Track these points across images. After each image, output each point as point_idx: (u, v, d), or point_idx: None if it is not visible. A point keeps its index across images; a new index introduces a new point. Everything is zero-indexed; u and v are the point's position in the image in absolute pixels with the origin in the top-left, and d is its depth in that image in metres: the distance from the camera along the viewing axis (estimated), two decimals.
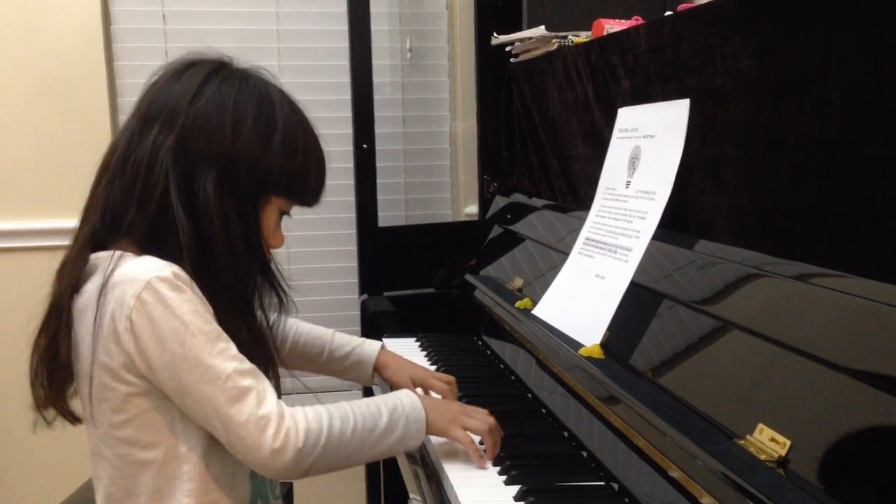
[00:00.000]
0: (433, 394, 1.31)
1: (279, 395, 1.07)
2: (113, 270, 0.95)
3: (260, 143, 1.01)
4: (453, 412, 1.11)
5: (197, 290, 0.96)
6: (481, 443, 1.11)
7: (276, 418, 0.95)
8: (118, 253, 0.97)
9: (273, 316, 1.14)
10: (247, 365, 0.97)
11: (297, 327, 1.32)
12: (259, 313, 1.08)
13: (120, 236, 1.00)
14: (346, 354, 1.33)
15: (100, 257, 0.99)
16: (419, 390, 1.31)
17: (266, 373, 1.06)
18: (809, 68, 0.92)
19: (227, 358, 0.95)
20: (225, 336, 0.97)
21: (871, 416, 0.71)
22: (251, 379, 0.96)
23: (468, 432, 1.09)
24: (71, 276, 0.99)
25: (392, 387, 1.35)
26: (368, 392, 2.04)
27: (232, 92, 1.01)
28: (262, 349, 1.05)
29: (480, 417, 1.11)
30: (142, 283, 0.93)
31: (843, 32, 0.86)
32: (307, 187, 1.07)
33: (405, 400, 1.08)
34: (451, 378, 1.32)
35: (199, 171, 0.98)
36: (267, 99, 1.03)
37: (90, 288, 0.97)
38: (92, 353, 0.96)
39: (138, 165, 0.98)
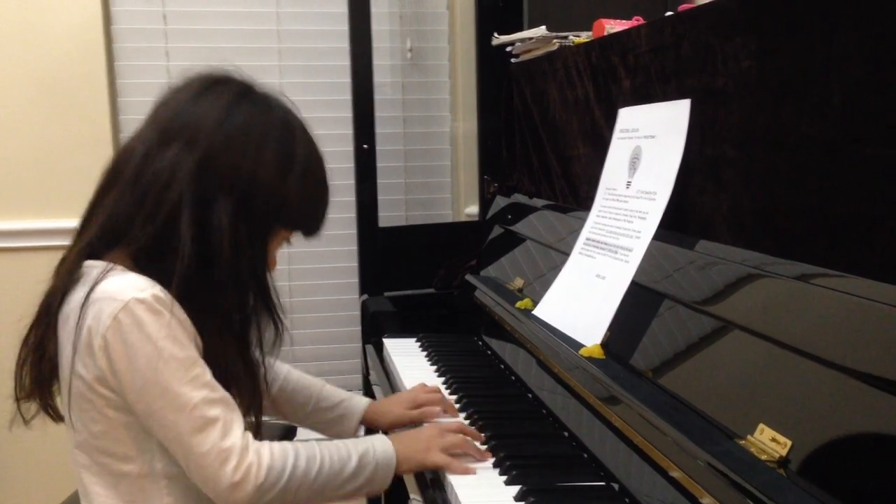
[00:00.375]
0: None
1: (260, 433, 1.06)
2: (96, 284, 0.95)
3: (279, 174, 1.01)
4: (427, 441, 1.09)
5: (179, 312, 0.95)
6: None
7: (239, 452, 0.95)
8: (108, 266, 0.96)
9: (276, 337, 1.12)
10: (217, 393, 0.96)
11: (288, 373, 1.29)
12: (255, 348, 1.07)
13: (117, 248, 0.99)
14: (332, 406, 1.29)
15: (91, 266, 0.98)
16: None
17: (251, 405, 1.05)
18: (810, 69, 0.92)
19: (197, 386, 0.94)
20: (200, 362, 0.96)
21: (872, 417, 0.71)
22: (219, 409, 0.95)
23: (449, 452, 1.08)
24: (62, 282, 0.99)
25: (398, 426, 1.29)
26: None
27: (257, 120, 1.01)
28: (251, 379, 1.05)
29: (452, 430, 1.11)
30: (120, 303, 0.92)
31: (844, 33, 0.86)
32: (317, 219, 1.09)
33: (377, 444, 1.07)
34: (434, 386, 1.32)
35: (216, 197, 0.98)
36: (289, 130, 1.04)
37: (75, 298, 0.97)
38: (71, 362, 0.96)
39: (153, 181, 0.97)
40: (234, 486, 0.94)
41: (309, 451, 1.01)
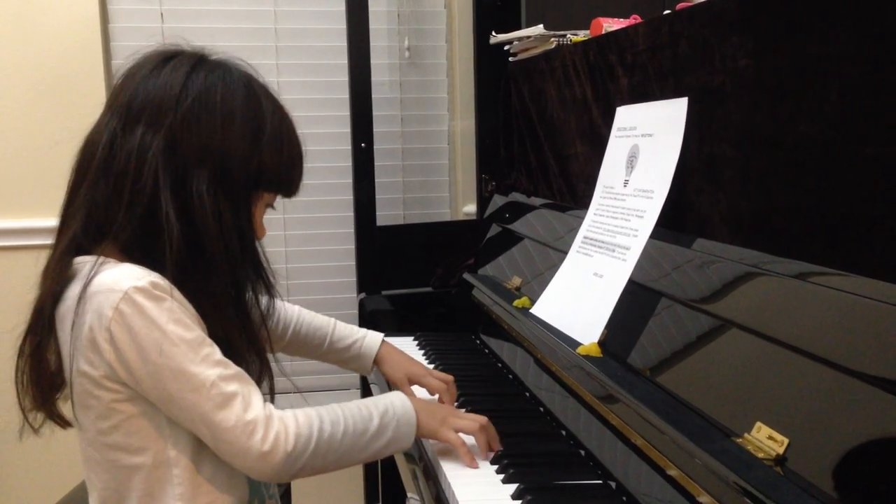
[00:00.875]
0: (426, 393, 1.32)
1: (273, 396, 1.06)
2: (91, 279, 0.94)
3: (250, 139, 1.00)
4: (444, 413, 1.11)
5: (178, 295, 0.95)
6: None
7: (264, 421, 0.95)
8: (100, 259, 0.95)
9: (269, 301, 1.13)
10: (231, 369, 0.96)
11: (299, 315, 1.33)
12: (255, 311, 1.07)
13: (104, 241, 0.98)
14: (347, 346, 1.34)
15: (82, 262, 0.97)
16: (415, 388, 1.31)
17: (260, 374, 1.06)
18: (807, 67, 0.92)
19: (210, 364, 0.94)
20: (208, 341, 0.96)
21: (870, 415, 0.71)
22: (236, 384, 0.95)
23: (459, 434, 1.09)
24: (53, 284, 0.97)
25: (388, 381, 1.37)
26: (366, 387, 2.04)
27: (217, 87, 0.99)
28: (256, 350, 1.05)
29: (471, 416, 1.12)
30: (119, 293, 0.91)
31: (842, 32, 0.86)
32: (294, 179, 1.07)
33: (396, 402, 1.07)
34: (449, 377, 1.32)
35: (191, 172, 0.97)
36: (252, 93, 1.02)
37: (71, 295, 0.96)
38: (72, 361, 0.95)
39: (124, 168, 0.96)
40: (264, 457, 0.94)
41: (332, 414, 1.01)
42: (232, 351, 0.99)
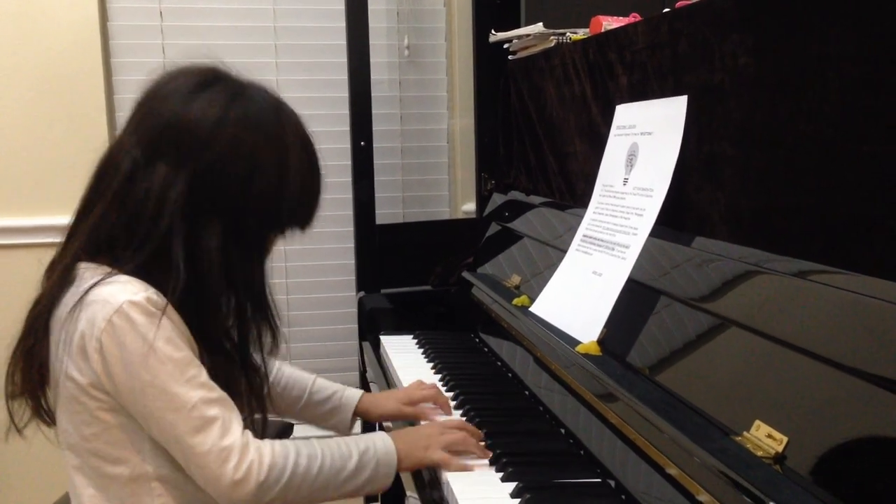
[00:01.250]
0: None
1: (265, 434, 1.05)
2: (90, 288, 0.94)
3: (274, 185, 0.99)
4: (427, 439, 1.09)
5: (173, 314, 0.94)
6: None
7: (239, 450, 0.94)
8: (102, 268, 0.95)
9: (273, 344, 1.11)
10: (215, 393, 0.96)
11: (280, 368, 1.29)
12: (255, 352, 1.06)
13: (107, 261, 0.97)
14: (325, 398, 1.28)
15: (85, 269, 0.97)
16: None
17: (255, 409, 1.05)
18: (807, 66, 0.91)
19: (194, 386, 0.94)
20: (196, 363, 0.95)
21: (869, 413, 0.71)
22: (218, 408, 0.95)
23: (450, 450, 1.08)
24: (52, 288, 0.98)
25: (387, 419, 1.32)
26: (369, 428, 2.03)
27: (248, 133, 0.97)
28: (252, 385, 1.04)
29: (454, 425, 1.11)
30: (114, 306, 0.92)
31: (841, 31, 0.86)
32: (311, 215, 1.08)
33: (378, 442, 1.06)
34: (431, 384, 1.32)
35: (205, 224, 0.96)
36: (281, 140, 1.00)
37: (68, 300, 0.96)
38: (63, 366, 0.96)
39: (143, 205, 0.95)
40: (235, 485, 0.94)
41: (310, 448, 1.01)
42: (226, 379, 0.99)
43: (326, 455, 1.01)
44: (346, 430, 1.30)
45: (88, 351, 0.93)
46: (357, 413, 1.29)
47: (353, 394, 1.30)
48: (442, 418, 1.21)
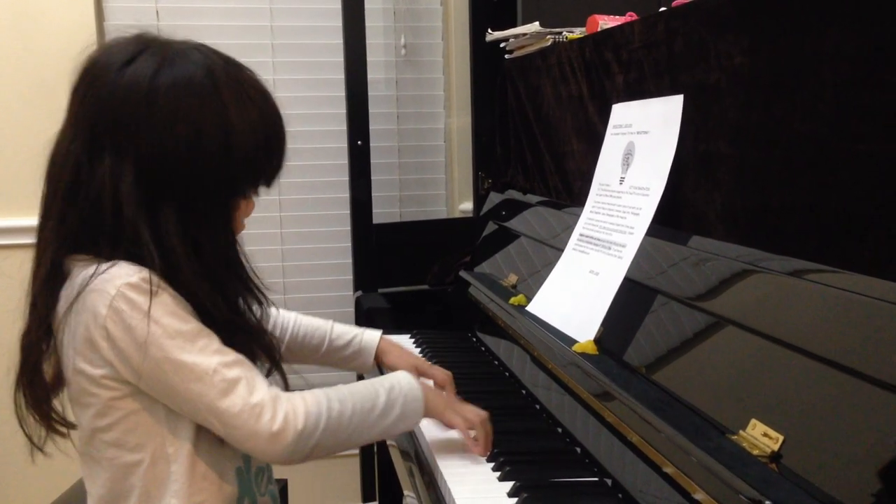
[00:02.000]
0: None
1: (287, 389, 1.05)
2: (86, 278, 0.93)
3: (221, 153, 0.95)
4: (447, 400, 1.12)
5: (170, 289, 0.94)
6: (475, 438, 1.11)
7: (271, 403, 0.94)
8: (91, 259, 0.94)
9: (261, 309, 1.10)
10: (231, 356, 0.95)
11: (296, 319, 1.32)
12: (249, 315, 1.04)
13: (90, 254, 0.96)
14: (346, 343, 1.33)
15: (75, 262, 0.96)
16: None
17: (271, 368, 1.05)
18: (802, 65, 0.92)
19: (209, 353, 0.93)
20: (206, 331, 0.95)
21: (864, 412, 0.71)
22: (238, 369, 0.94)
23: (473, 410, 1.11)
24: (43, 288, 0.96)
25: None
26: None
27: (180, 101, 0.93)
28: (262, 347, 1.04)
29: (473, 409, 1.12)
30: (113, 291, 0.91)
31: (836, 29, 0.86)
32: (273, 171, 1.02)
33: (402, 380, 1.07)
34: (449, 373, 1.32)
35: (160, 208, 0.94)
36: (217, 100, 0.95)
37: (65, 295, 0.95)
38: (70, 361, 0.95)
39: (99, 202, 0.93)
40: (275, 437, 0.93)
41: (338, 393, 1.01)
42: (239, 348, 0.98)
43: (356, 395, 1.01)
44: (370, 370, 1.35)
45: (97, 341, 0.92)
46: (375, 354, 1.33)
47: (373, 336, 1.34)
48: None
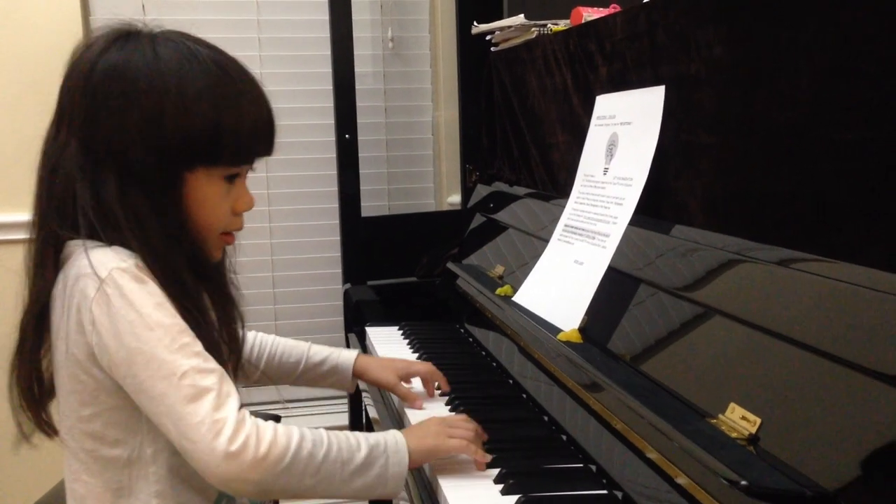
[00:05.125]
0: (416, 382, 1.33)
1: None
2: (77, 261, 0.92)
3: (152, 124, 0.92)
4: (436, 429, 1.05)
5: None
6: None
7: (234, 423, 0.88)
8: (88, 242, 0.93)
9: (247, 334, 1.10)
10: (209, 364, 0.91)
11: (274, 340, 1.30)
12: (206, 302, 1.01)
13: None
14: (322, 360, 1.30)
15: (73, 245, 0.95)
16: (416, 383, 1.33)
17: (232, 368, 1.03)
18: (780, 56, 0.93)
19: (187, 354, 0.90)
20: (191, 333, 0.92)
21: (840, 395, 0.72)
22: (212, 379, 0.90)
23: (461, 432, 1.05)
24: (38, 278, 0.97)
25: (378, 387, 1.35)
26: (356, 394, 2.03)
27: (118, 71, 0.93)
28: (224, 342, 1.00)
29: (463, 426, 1.06)
30: (103, 274, 0.90)
31: (813, 20, 0.87)
32: (231, 145, 0.96)
33: (390, 440, 1.00)
34: (430, 364, 1.34)
35: (100, 178, 0.93)
36: (157, 66, 0.93)
37: (62, 277, 0.95)
38: (64, 344, 0.94)
39: (65, 182, 0.93)
40: (229, 457, 0.87)
41: (316, 435, 0.95)
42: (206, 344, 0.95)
43: (333, 443, 0.95)
44: (349, 387, 1.33)
45: (84, 324, 0.91)
46: (353, 371, 1.31)
47: (350, 353, 1.32)
48: (436, 411, 1.17)
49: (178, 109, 0.93)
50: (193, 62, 0.95)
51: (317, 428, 0.98)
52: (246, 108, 0.98)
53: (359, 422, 2.15)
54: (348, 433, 0.99)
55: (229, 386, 0.92)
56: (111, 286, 0.90)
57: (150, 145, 0.93)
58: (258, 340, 1.29)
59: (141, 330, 0.89)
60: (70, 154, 0.94)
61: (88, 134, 0.94)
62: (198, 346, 0.92)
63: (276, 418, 1.66)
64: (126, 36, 0.97)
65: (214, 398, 0.89)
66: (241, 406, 0.92)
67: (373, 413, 1.41)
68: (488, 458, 1.04)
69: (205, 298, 1.00)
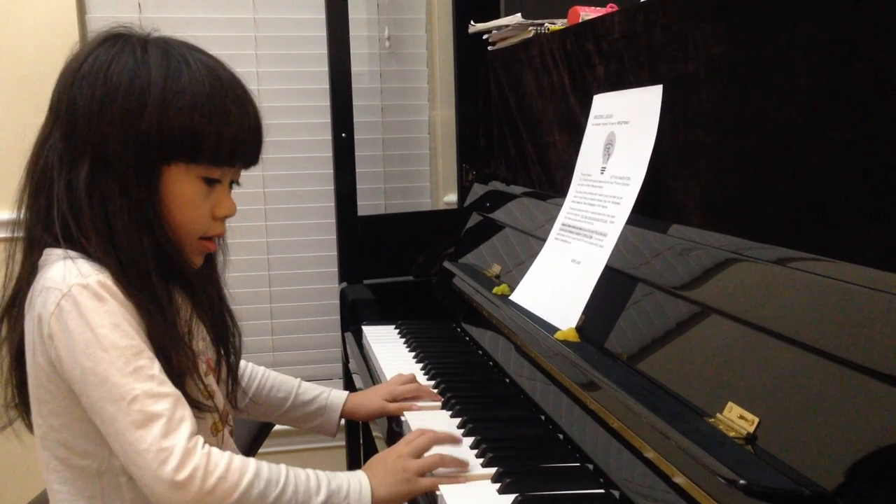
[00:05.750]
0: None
1: (235, 400, 1.02)
2: (45, 272, 0.91)
3: (132, 113, 0.91)
4: (404, 472, 1.00)
5: (125, 300, 0.90)
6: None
7: (181, 452, 0.86)
8: (60, 252, 0.92)
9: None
10: (165, 388, 0.88)
11: (264, 372, 1.27)
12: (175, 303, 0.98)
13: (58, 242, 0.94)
14: (312, 399, 1.27)
15: (49, 254, 0.94)
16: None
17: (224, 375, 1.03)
18: (778, 55, 0.93)
19: (140, 378, 0.87)
20: (148, 355, 0.89)
21: (838, 394, 0.72)
22: (165, 405, 0.87)
23: (427, 472, 1.01)
24: (22, 277, 0.96)
25: (370, 420, 1.33)
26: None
27: (104, 66, 0.93)
28: (179, 355, 0.95)
29: (423, 444, 1.04)
30: (64, 289, 0.88)
31: (810, 19, 0.88)
32: (212, 145, 0.95)
33: (354, 485, 0.97)
34: (410, 374, 1.33)
35: (76, 165, 0.92)
36: (144, 61, 0.93)
37: (33, 287, 0.94)
38: (32, 352, 0.93)
39: (46, 173, 0.94)
40: (174, 487, 0.85)
41: (274, 472, 0.92)
42: (174, 351, 0.93)
43: (290, 484, 0.92)
44: (332, 431, 1.29)
45: (44, 337, 0.90)
46: (343, 414, 1.28)
47: (340, 394, 1.29)
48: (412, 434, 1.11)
49: (159, 105, 0.92)
50: (182, 63, 0.95)
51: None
52: (232, 113, 0.96)
53: (355, 421, 2.15)
54: (311, 472, 0.96)
55: (184, 411, 0.89)
56: (69, 302, 0.88)
57: (128, 138, 0.92)
58: (249, 369, 1.26)
59: (95, 350, 0.87)
60: (53, 144, 0.94)
61: (70, 123, 0.93)
62: (155, 369, 0.89)
63: (268, 427, 1.64)
64: (117, 37, 0.97)
65: (164, 424, 0.87)
66: (195, 434, 0.89)
67: None
68: (463, 480, 1.01)
69: (177, 303, 0.99)
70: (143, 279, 0.93)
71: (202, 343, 1.06)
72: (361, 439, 2.09)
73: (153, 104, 0.92)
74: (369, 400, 1.29)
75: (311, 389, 1.28)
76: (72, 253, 0.92)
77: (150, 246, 0.94)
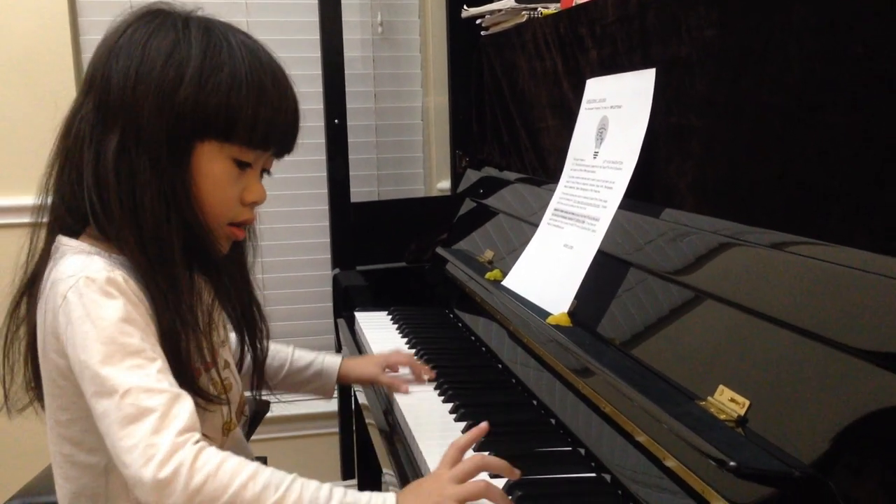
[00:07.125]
0: (403, 371, 1.33)
1: (247, 424, 1.00)
2: (58, 265, 0.90)
3: (169, 84, 0.90)
4: (435, 486, 0.87)
5: (135, 299, 0.88)
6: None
7: (168, 448, 0.80)
8: (75, 245, 0.92)
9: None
10: (161, 384, 0.84)
11: None
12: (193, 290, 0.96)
13: (79, 228, 0.93)
14: (307, 364, 1.29)
15: (61, 243, 0.93)
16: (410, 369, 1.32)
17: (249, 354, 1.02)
18: (770, 38, 0.93)
19: (136, 374, 0.84)
20: (150, 355, 0.86)
21: (827, 376, 0.73)
22: (160, 400, 0.83)
23: (468, 501, 0.86)
24: (38, 264, 0.95)
25: (363, 383, 1.36)
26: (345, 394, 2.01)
27: (144, 38, 0.91)
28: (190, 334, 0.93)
29: (465, 469, 0.89)
30: (72, 281, 0.87)
31: (804, 4, 0.87)
32: (247, 125, 0.93)
33: (375, 500, 0.86)
34: (409, 353, 1.36)
35: (106, 134, 0.90)
36: (185, 36, 0.92)
37: (46, 277, 0.93)
38: (42, 347, 0.92)
39: (77, 144, 0.92)
40: (158, 486, 0.79)
41: (275, 478, 0.84)
42: (181, 363, 0.91)
43: (293, 491, 0.83)
44: (329, 394, 1.32)
45: (57, 329, 0.89)
46: (339, 376, 1.31)
47: (334, 358, 1.32)
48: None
49: (197, 80, 0.91)
50: (223, 41, 0.94)
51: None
52: (270, 95, 0.95)
53: (348, 409, 2.15)
54: (325, 485, 0.85)
55: (181, 407, 0.84)
56: (75, 294, 0.86)
57: (162, 109, 0.90)
58: None
59: (92, 343, 0.84)
60: (85, 114, 0.92)
61: (104, 91, 0.91)
62: (153, 366, 0.85)
63: (266, 406, 1.65)
64: (157, 12, 0.96)
65: (156, 419, 0.82)
66: (190, 430, 0.83)
67: (362, 399, 1.41)
68: (517, 473, 0.92)
69: (199, 288, 0.98)
70: (163, 258, 0.91)
71: (223, 331, 1.05)
72: (354, 426, 2.09)
73: (191, 78, 0.90)
74: (363, 365, 1.32)
75: (305, 356, 1.31)
76: (87, 247, 0.92)
77: (177, 223, 0.92)
